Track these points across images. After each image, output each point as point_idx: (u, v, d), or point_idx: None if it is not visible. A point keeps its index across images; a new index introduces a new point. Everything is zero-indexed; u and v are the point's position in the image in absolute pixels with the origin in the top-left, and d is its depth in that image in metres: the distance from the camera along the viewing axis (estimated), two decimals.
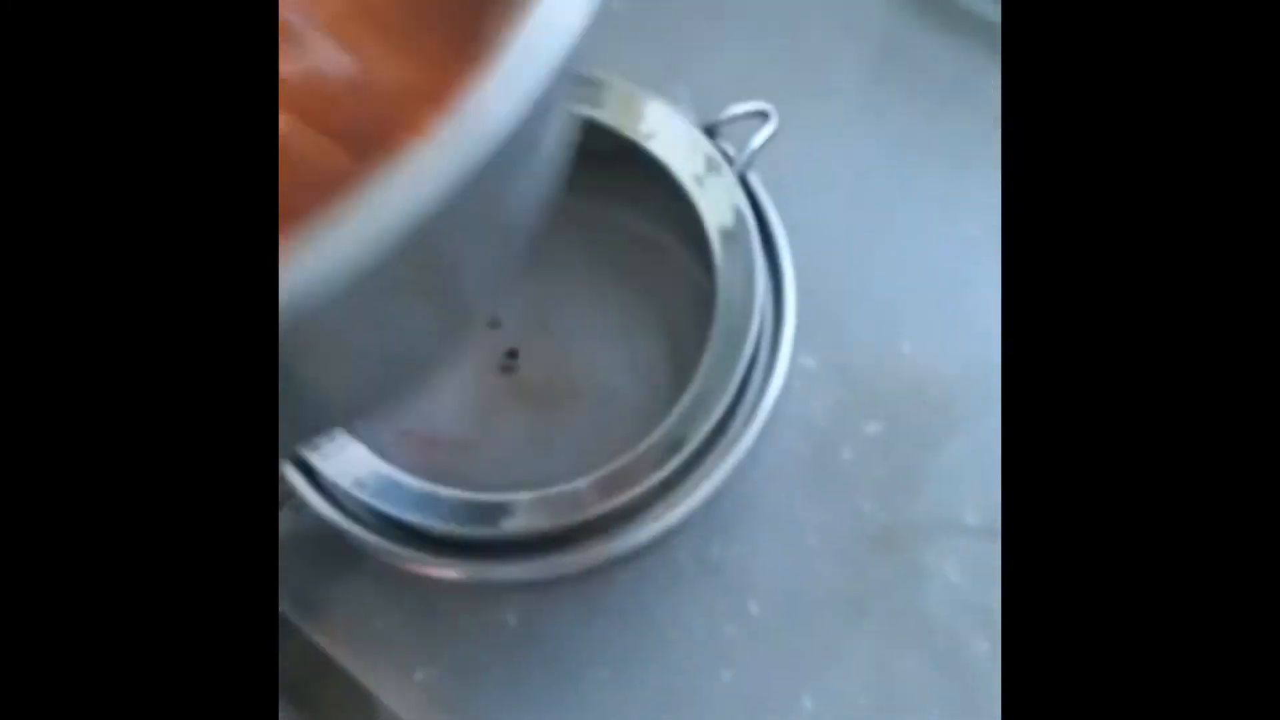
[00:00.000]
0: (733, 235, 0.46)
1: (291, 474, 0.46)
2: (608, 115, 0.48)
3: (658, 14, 0.58)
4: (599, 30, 0.19)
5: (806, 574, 0.49)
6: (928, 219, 0.54)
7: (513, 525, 0.44)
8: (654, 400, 0.50)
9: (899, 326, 0.53)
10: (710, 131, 0.48)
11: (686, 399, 0.44)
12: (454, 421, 0.51)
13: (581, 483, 0.44)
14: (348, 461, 0.46)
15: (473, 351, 0.52)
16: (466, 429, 0.50)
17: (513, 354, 0.52)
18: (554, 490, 0.44)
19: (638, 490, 0.43)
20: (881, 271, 0.53)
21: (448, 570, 0.45)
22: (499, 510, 0.44)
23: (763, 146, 0.47)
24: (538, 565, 0.44)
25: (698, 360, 0.49)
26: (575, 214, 0.52)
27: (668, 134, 0.48)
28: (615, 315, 0.52)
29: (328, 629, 0.49)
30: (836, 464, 0.50)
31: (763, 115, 0.48)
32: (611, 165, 0.50)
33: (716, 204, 0.47)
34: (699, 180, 0.47)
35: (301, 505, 0.46)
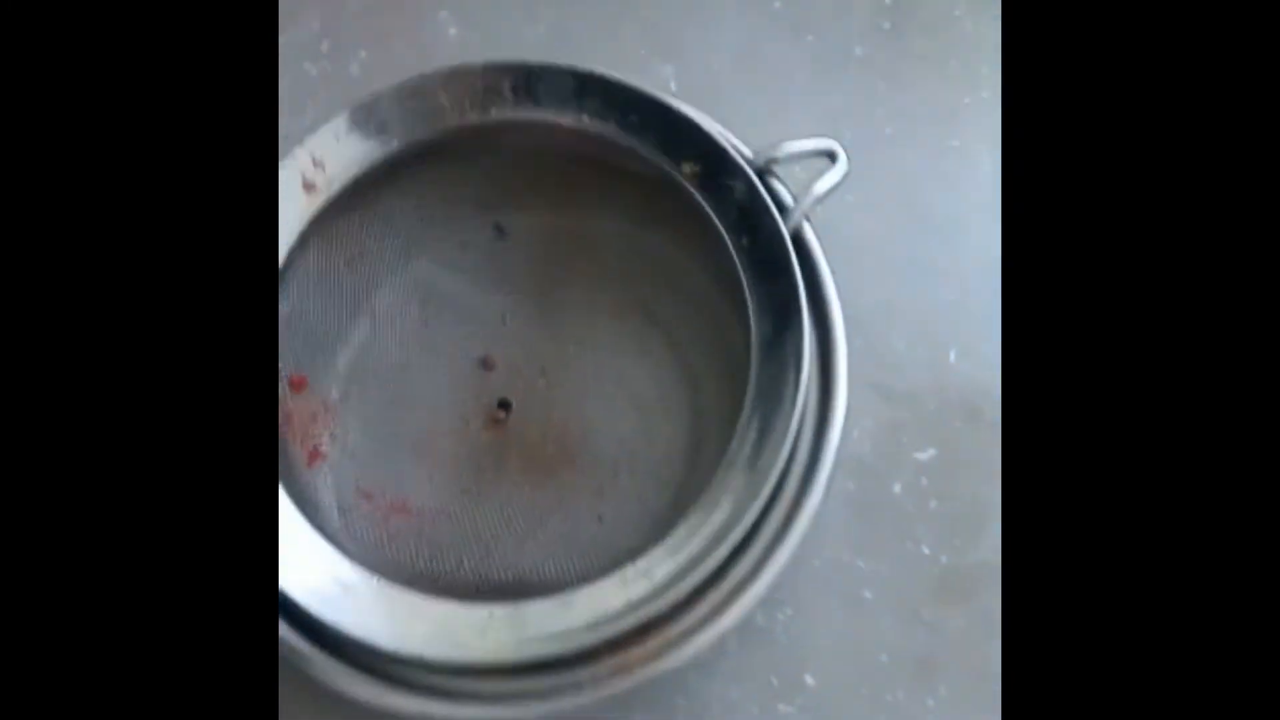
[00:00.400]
0: (773, 278, 0.38)
1: None
2: (649, 137, 0.41)
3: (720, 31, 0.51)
4: None
5: (866, 634, 0.40)
6: (969, 213, 0.47)
7: (507, 644, 0.35)
8: (667, 465, 0.42)
9: (945, 335, 0.44)
10: (764, 170, 0.41)
11: (731, 476, 0.36)
12: (428, 482, 0.42)
13: (604, 586, 0.35)
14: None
15: (457, 397, 0.44)
16: (443, 494, 0.42)
17: (504, 405, 0.43)
18: (564, 596, 0.35)
19: (673, 596, 0.35)
20: (922, 278, 0.46)
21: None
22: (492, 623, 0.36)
23: (828, 194, 0.39)
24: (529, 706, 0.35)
25: (724, 421, 0.41)
26: (591, 236, 0.45)
27: (715, 166, 0.40)
28: (627, 360, 0.44)
29: None
30: (888, 501, 0.42)
31: (829, 156, 0.40)
32: (644, 189, 0.42)
33: (759, 247, 0.39)
34: (743, 215, 0.39)
35: None
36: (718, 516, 0.36)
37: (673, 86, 0.49)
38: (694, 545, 0.36)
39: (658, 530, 0.39)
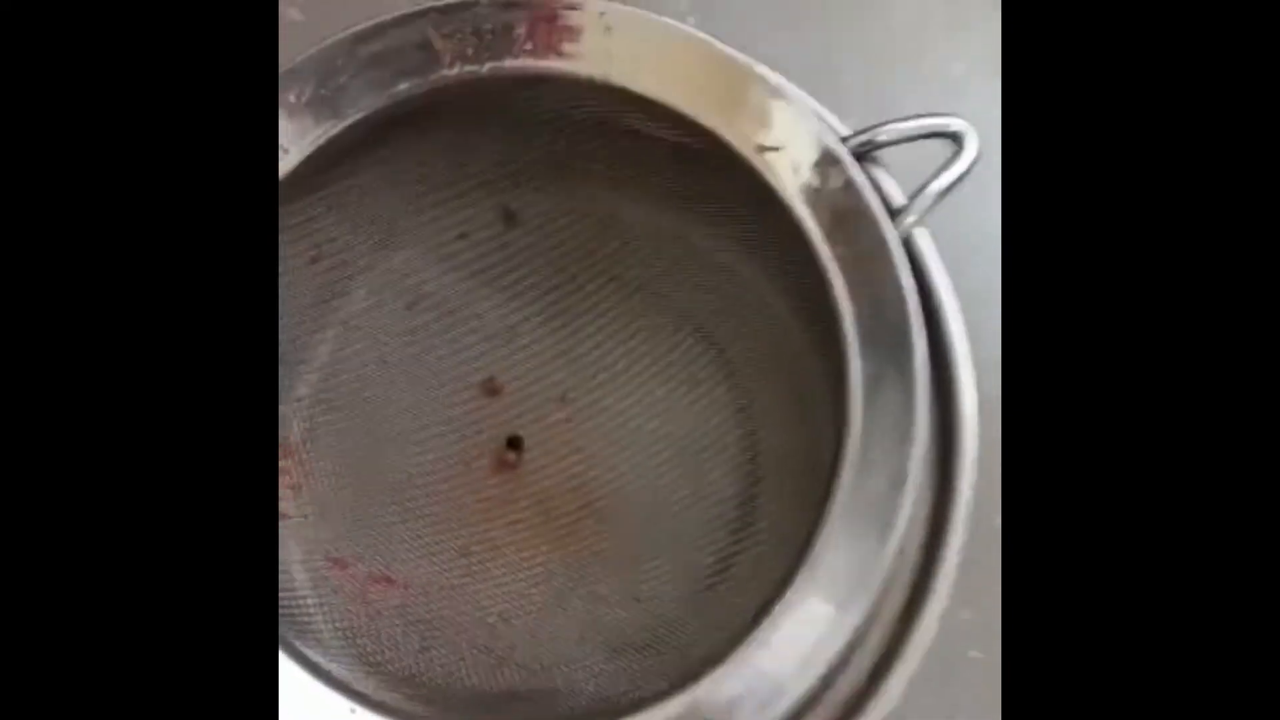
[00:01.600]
0: (876, 300, 0.29)
1: None
2: (715, 108, 0.30)
3: None
4: None
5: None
6: None
7: None
8: (719, 527, 0.33)
9: None
10: (863, 155, 0.30)
11: (828, 557, 0.27)
12: (417, 545, 0.33)
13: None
14: None
15: (454, 433, 0.34)
16: (437, 562, 0.33)
17: (514, 443, 0.34)
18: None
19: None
20: None
21: None
22: None
23: (953, 188, 0.30)
24: None
25: (791, 471, 0.32)
26: (625, 228, 0.35)
27: (799, 148, 0.30)
28: (669, 389, 0.34)
29: None
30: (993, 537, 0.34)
31: (952, 139, 0.30)
32: (697, 170, 0.32)
33: (860, 258, 0.29)
34: (837, 215, 0.29)
35: None
36: (811, 613, 0.27)
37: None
38: (782, 660, 0.27)
39: (713, 620, 0.31)
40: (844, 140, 0.30)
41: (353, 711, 0.27)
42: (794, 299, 0.32)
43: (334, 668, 0.30)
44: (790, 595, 0.27)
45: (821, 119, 0.31)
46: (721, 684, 0.27)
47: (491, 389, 0.35)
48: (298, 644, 0.30)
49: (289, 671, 0.28)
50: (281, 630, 0.30)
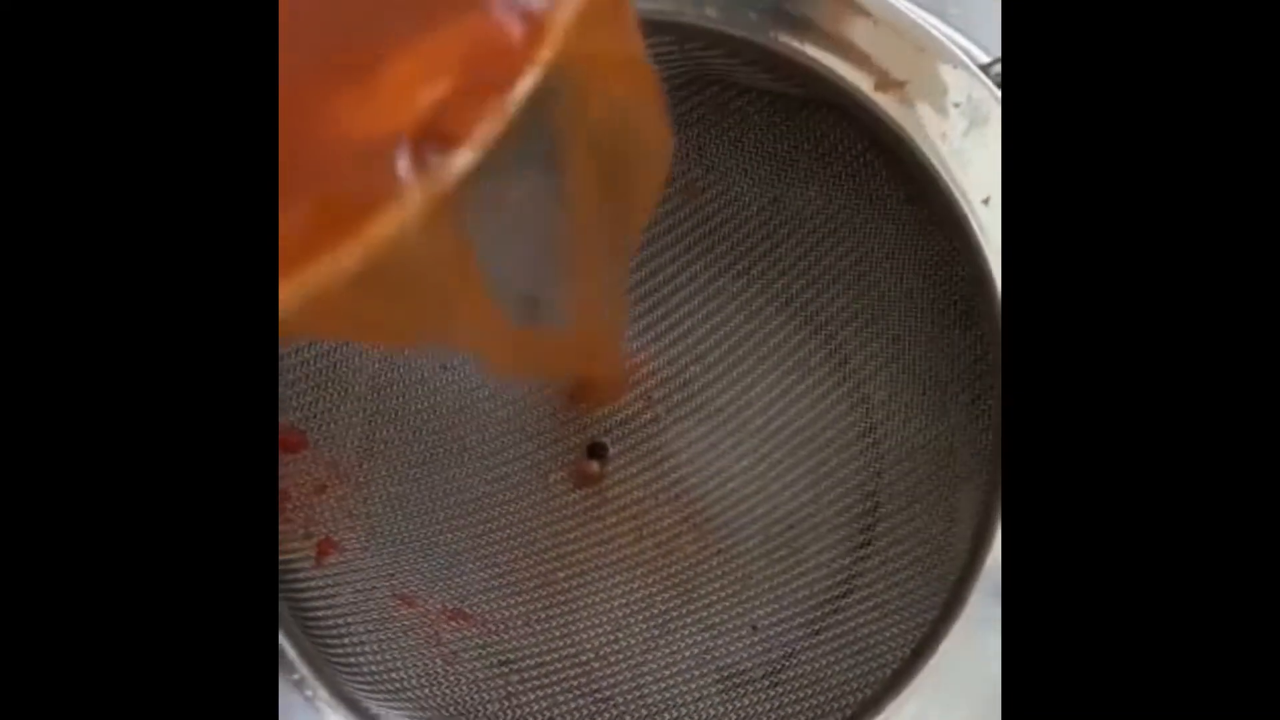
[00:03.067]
0: None
1: None
2: (830, 46, 0.26)
3: None
4: None
5: None
6: None
7: None
8: (839, 536, 0.29)
9: None
10: None
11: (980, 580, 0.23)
12: (497, 576, 0.29)
13: None
14: None
15: (529, 441, 0.30)
16: (517, 591, 0.29)
17: (597, 451, 0.30)
18: None
19: None
20: None
21: None
22: None
23: None
24: None
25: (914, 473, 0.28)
26: (717, 191, 0.30)
27: (926, 81, 0.25)
28: (771, 379, 0.30)
29: None
30: None
31: None
32: (807, 127, 0.27)
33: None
34: (983, 170, 0.25)
35: None
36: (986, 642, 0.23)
37: None
38: (954, 699, 0.23)
39: (842, 648, 0.27)
40: (984, 69, 0.25)
41: None
42: (927, 268, 0.28)
43: None
44: (968, 613, 0.23)
45: (951, 44, 0.26)
46: None
47: (569, 390, 0.30)
48: (364, 698, 0.26)
49: None
50: (344, 683, 0.26)
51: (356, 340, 0.28)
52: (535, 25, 0.16)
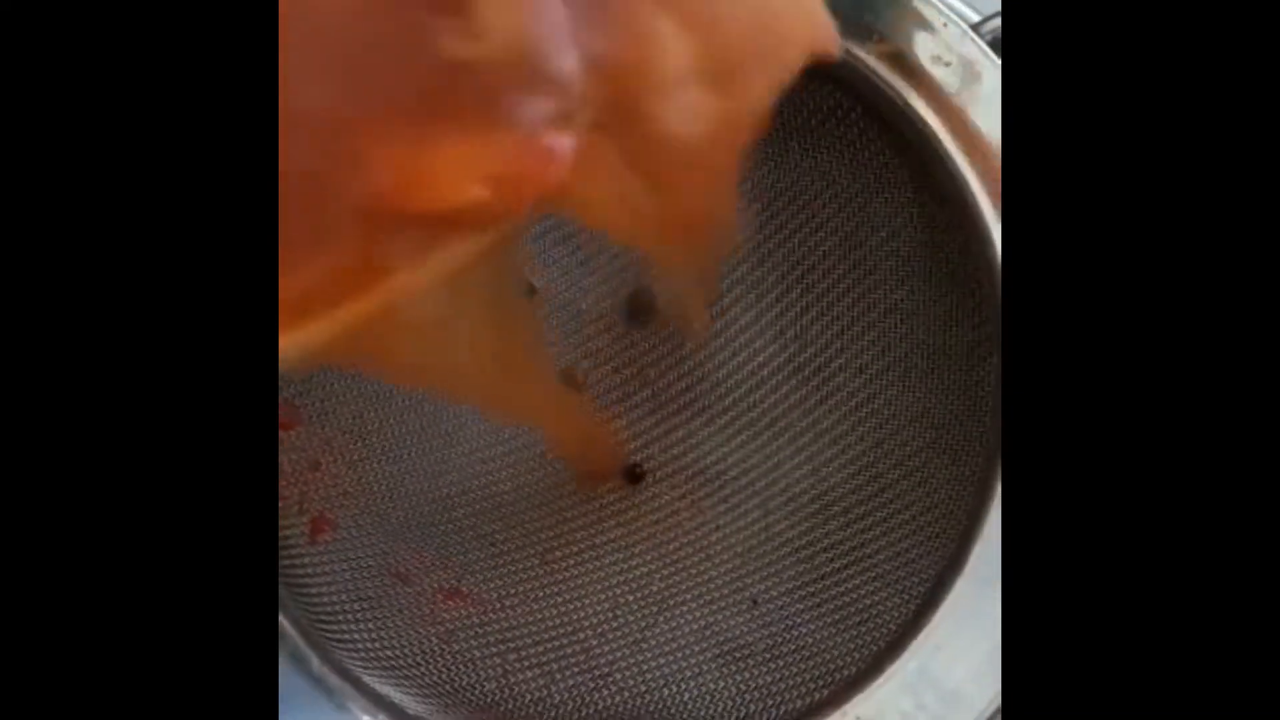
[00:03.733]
0: None
1: None
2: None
3: None
4: None
5: None
6: None
7: None
8: (845, 518, 0.28)
9: None
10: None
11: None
12: (492, 552, 0.29)
13: None
14: None
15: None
16: (515, 568, 0.28)
17: (635, 474, 0.29)
18: None
19: None
20: None
21: None
22: None
23: None
24: None
25: (935, 444, 0.27)
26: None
27: (915, 43, 0.25)
28: (780, 354, 0.29)
29: None
30: None
31: None
32: (812, 87, 0.27)
33: None
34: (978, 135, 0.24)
35: None
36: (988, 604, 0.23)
37: None
38: (956, 666, 0.22)
39: (844, 620, 0.26)
40: (974, 28, 0.25)
41: None
42: (923, 234, 0.27)
43: (406, 700, 0.25)
44: (960, 585, 0.22)
45: (940, 3, 0.26)
46: (877, 700, 0.22)
47: (570, 381, 0.30)
48: (363, 674, 0.25)
49: (354, 708, 0.24)
50: (343, 659, 0.25)
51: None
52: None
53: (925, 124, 0.25)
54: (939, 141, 0.25)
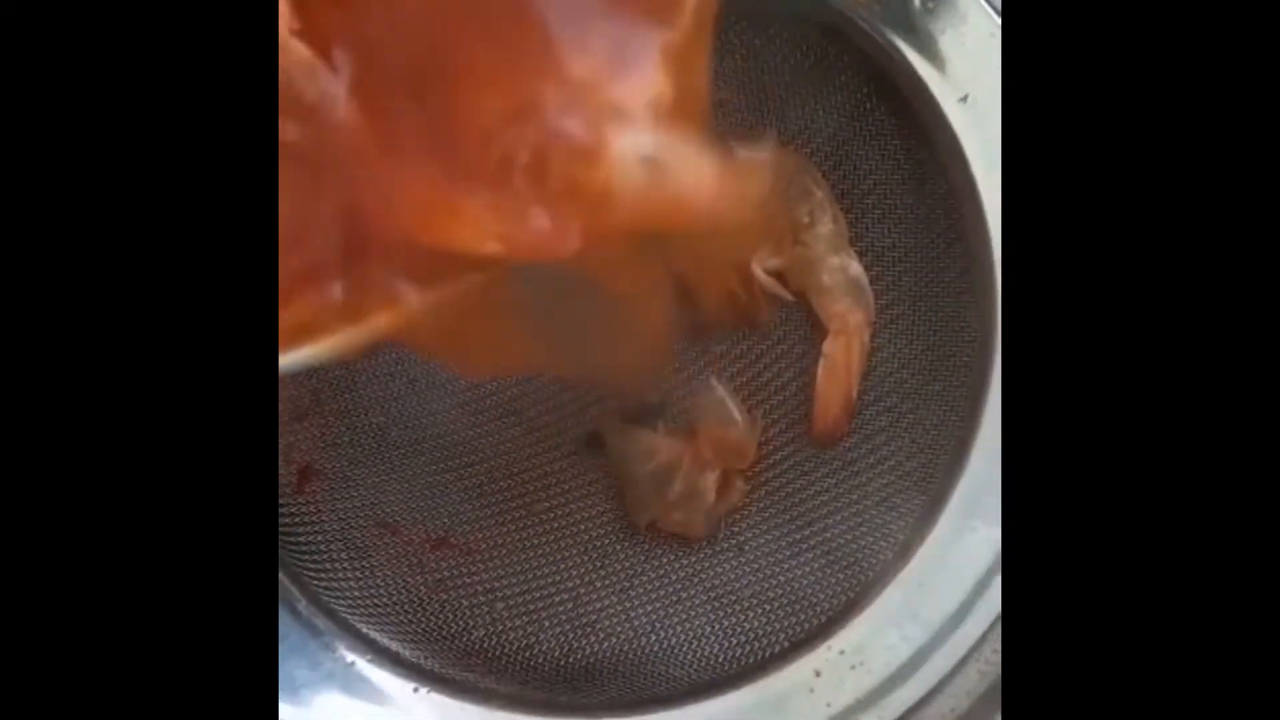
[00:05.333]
0: None
1: None
2: None
3: None
4: None
5: None
6: None
7: None
8: (831, 466, 0.28)
9: None
10: None
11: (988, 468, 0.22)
12: (479, 501, 0.29)
13: (785, 679, 0.22)
14: None
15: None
16: (501, 517, 0.28)
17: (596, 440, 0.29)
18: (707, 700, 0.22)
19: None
20: None
21: None
22: None
23: None
24: None
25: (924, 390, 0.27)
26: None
27: None
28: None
29: None
30: None
31: None
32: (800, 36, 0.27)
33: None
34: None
35: None
36: (974, 535, 0.23)
37: None
38: (940, 598, 0.22)
39: (832, 561, 0.26)
40: None
41: (416, 691, 0.23)
42: (910, 182, 0.27)
43: (395, 645, 0.25)
44: (942, 523, 0.23)
45: None
46: (862, 632, 0.23)
47: None
48: (350, 618, 0.25)
49: (340, 647, 0.24)
50: (330, 602, 0.25)
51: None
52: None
53: (911, 68, 0.25)
54: (924, 85, 0.25)
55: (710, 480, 0.28)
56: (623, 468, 0.28)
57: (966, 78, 0.24)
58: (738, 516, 0.28)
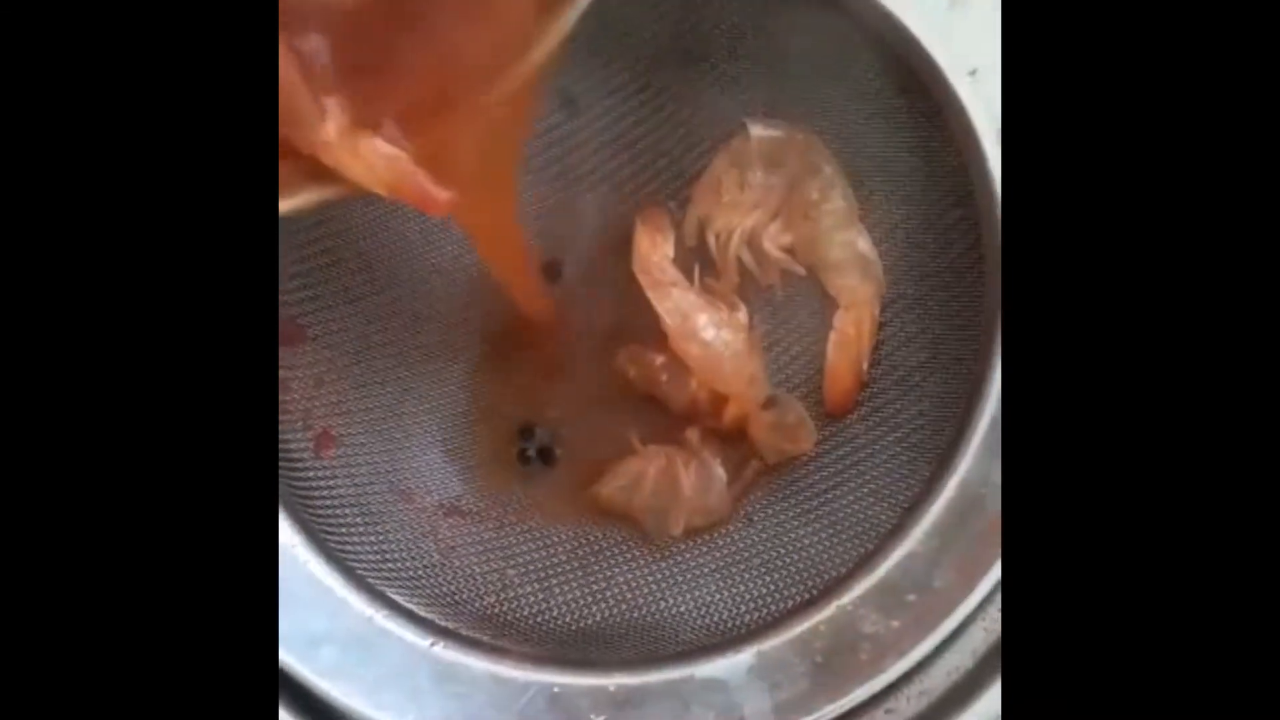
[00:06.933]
0: None
1: None
2: None
3: None
4: None
5: None
6: None
7: None
8: (839, 439, 0.29)
9: None
10: None
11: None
12: (494, 467, 0.29)
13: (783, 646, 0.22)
14: None
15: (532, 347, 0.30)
16: (516, 482, 0.29)
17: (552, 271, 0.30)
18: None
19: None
20: None
21: None
22: None
23: None
24: None
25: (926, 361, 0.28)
26: (708, 109, 0.31)
27: None
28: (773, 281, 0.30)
29: None
30: None
31: None
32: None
33: None
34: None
35: None
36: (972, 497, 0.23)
37: None
38: (930, 565, 0.23)
39: (834, 528, 0.27)
40: None
41: (432, 645, 0.23)
42: (918, 156, 0.28)
43: (411, 605, 0.25)
44: (945, 493, 0.23)
45: None
46: (862, 598, 0.23)
47: (551, 271, 0.31)
48: (369, 579, 0.26)
49: (358, 603, 0.24)
50: (345, 559, 0.26)
51: None
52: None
53: (919, 43, 0.25)
54: (932, 60, 0.25)
55: (716, 466, 0.28)
56: (625, 508, 0.28)
57: (974, 52, 0.25)
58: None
